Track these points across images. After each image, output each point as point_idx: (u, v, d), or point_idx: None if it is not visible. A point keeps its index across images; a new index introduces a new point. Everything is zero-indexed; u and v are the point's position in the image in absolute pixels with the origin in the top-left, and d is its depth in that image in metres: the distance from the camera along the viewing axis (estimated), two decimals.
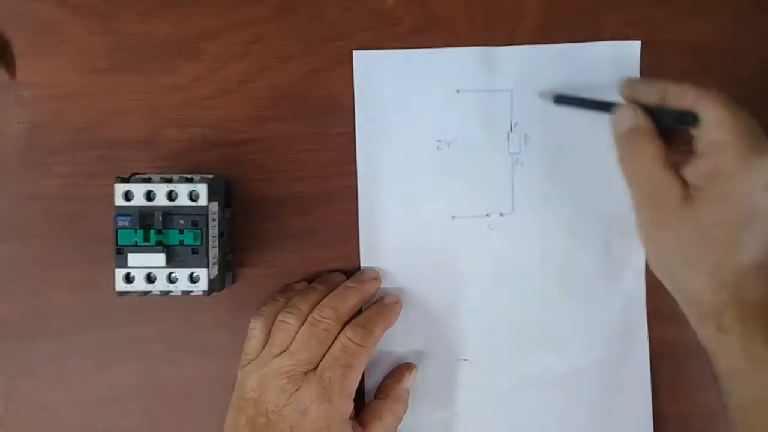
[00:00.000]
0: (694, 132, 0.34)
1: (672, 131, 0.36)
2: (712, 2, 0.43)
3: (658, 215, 0.35)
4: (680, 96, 0.35)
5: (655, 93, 0.36)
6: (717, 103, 0.33)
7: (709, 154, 0.33)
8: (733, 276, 0.33)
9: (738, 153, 0.32)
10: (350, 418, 0.38)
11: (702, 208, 0.33)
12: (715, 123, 0.33)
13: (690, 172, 0.34)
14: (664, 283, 0.36)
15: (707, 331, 0.34)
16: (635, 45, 0.43)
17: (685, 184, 0.34)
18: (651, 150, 0.35)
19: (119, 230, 0.36)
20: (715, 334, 0.34)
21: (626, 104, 0.37)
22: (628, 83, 0.39)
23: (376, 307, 0.41)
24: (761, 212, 0.32)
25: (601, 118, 0.43)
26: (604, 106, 0.39)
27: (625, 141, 0.36)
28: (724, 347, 0.34)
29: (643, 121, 0.36)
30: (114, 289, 0.37)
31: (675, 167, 0.34)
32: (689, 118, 0.34)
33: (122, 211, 0.36)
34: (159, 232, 0.36)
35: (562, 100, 0.41)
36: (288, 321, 0.38)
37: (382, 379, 0.42)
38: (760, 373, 0.32)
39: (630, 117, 0.36)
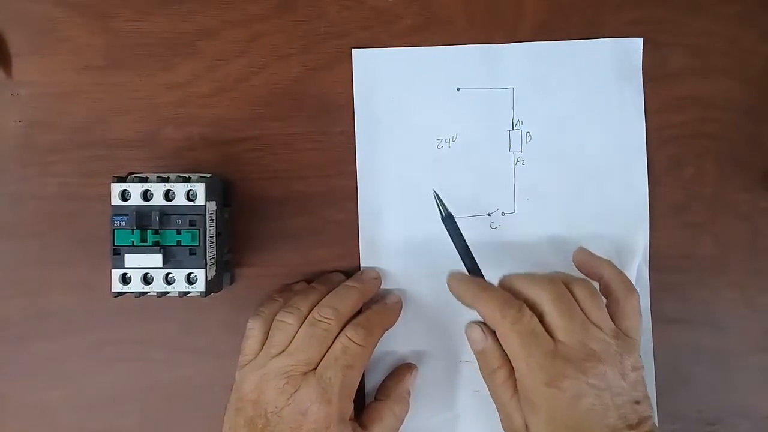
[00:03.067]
0: None
1: None
2: (713, 1, 0.43)
3: None
4: None
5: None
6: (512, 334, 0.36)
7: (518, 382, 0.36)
8: None
9: (535, 383, 0.35)
10: (350, 419, 0.37)
11: None
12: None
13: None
14: None
15: None
16: (637, 42, 0.42)
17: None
18: (501, 375, 0.37)
19: (116, 230, 0.36)
20: None
21: (475, 324, 0.39)
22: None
23: (377, 307, 0.41)
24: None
25: (605, 118, 0.43)
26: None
27: (480, 359, 0.39)
28: None
29: (492, 343, 0.38)
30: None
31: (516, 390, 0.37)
32: None
33: (119, 211, 0.36)
34: (156, 232, 0.36)
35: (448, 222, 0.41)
36: (287, 321, 0.37)
37: (382, 379, 0.42)
38: None
39: (481, 340, 0.38)
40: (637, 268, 0.43)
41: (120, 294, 0.36)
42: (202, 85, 0.42)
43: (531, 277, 0.37)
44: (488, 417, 0.42)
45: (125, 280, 0.36)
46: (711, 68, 0.43)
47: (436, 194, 0.42)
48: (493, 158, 0.43)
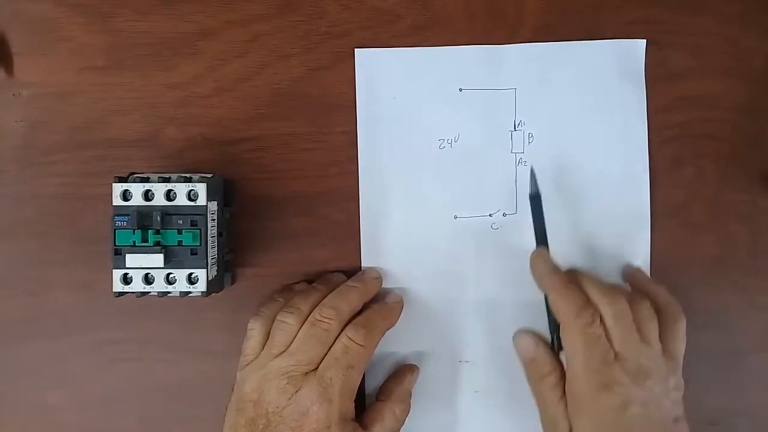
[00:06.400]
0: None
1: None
2: (713, 1, 0.43)
3: None
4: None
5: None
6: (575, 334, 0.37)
7: (568, 383, 0.38)
8: None
9: (589, 385, 0.36)
10: (351, 419, 0.37)
11: None
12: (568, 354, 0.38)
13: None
14: None
15: None
16: (640, 44, 0.42)
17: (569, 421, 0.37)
18: (551, 380, 0.39)
19: (117, 230, 0.36)
20: None
21: (524, 333, 0.41)
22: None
23: (378, 306, 0.41)
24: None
25: (607, 119, 0.43)
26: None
27: (529, 367, 0.40)
28: None
29: (542, 351, 0.40)
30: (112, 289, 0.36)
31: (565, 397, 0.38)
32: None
33: (120, 211, 0.36)
34: (157, 232, 0.36)
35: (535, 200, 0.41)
36: (287, 321, 0.37)
37: (383, 380, 0.42)
38: None
39: (531, 348, 0.40)
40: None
41: (121, 294, 0.36)
42: (203, 85, 0.42)
43: (600, 286, 0.39)
44: (488, 417, 0.43)
45: (126, 280, 0.36)
46: (712, 68, 0.43)
47: (533, 171, 0.41)
48: (495, 159, 0.43)
